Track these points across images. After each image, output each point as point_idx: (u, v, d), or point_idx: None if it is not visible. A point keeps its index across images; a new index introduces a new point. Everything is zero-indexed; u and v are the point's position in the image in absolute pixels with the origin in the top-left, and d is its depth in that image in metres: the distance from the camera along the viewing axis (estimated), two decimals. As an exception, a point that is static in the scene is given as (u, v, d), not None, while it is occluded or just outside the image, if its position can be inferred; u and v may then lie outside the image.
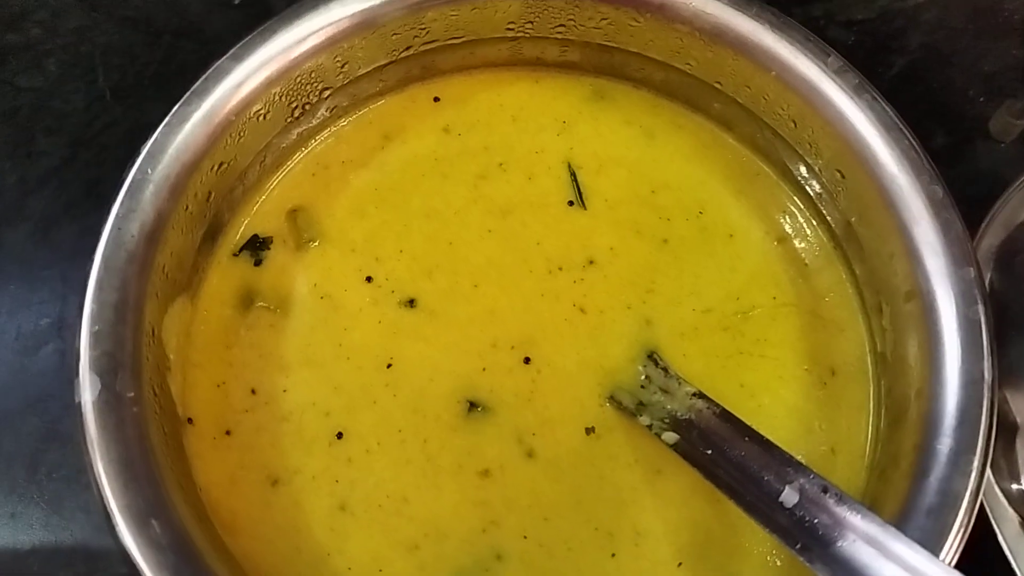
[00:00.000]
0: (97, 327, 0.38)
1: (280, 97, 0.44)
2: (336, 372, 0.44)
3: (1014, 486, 0.43)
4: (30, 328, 0.52)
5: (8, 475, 0.49)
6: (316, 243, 0.47)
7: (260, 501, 0.42)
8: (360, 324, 0.45)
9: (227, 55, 0.43)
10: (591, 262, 0.46)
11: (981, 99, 0.57)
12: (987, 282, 0.44)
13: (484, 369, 0.44)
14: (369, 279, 0.46)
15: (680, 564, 0.42)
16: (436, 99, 0.50)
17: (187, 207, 0.42)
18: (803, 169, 0.46)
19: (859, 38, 0.58)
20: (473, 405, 0.44)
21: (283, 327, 0.45)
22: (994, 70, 0.57)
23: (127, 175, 0.41)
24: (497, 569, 0.42)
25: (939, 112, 0.57)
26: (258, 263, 0.46)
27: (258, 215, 0.47)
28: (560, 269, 0.46)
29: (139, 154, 0.41)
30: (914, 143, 0.41)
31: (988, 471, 0.37)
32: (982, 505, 0.38)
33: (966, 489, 0.37)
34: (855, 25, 0.58)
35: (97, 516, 0.47)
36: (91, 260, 0.40)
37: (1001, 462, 0.43)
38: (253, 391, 0.44)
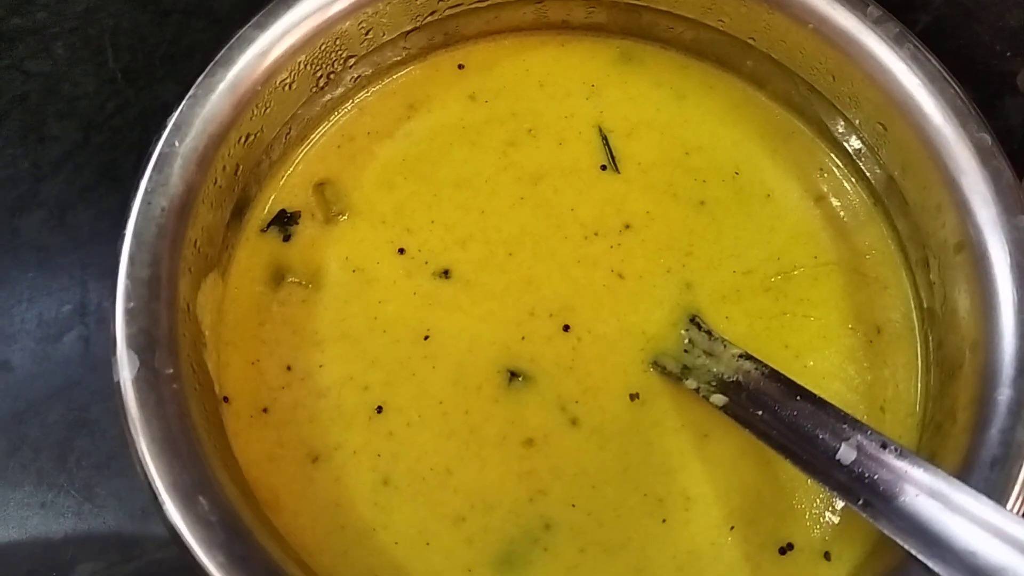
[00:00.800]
0: (132, 304, 0.38)
1: (305, 66, 0.44)
2: (372, 346, 0.44)
3: None
4: (52, 315, 0.51)
5: (36, 464, 0.49)
6: (345, 216, 0.46)
7: (301, 478, 0.42)
8: (394, 297, 0.45)
9: (250, 23, 0.42)
10: (627, 227, 0.46)
11: (1008, 54, 0.56)
12: None
13: (523, 338, 0.44)
14: (401, 251, 0.45)
15: (732, 528, 0.42)
16: (460, 66, 0.49)
17: (216, 180, 0.41)
18: (841, 124, 0.46)
19: (882, -6, 0.58)
20: (514, 375, 0.44)
21: (316, 302, 0.45)
22: (1020, 24, 0.57)
23: (154, 148, 0.40)
24: (546, 539, 0.41)
25: (966, 68, 0.56)
26: (287, 238, 0.46)
27: (285, 189, 0.47)
28: (596, 235, 0.46)
29: (165, 127, 0.41)
30: (959, 92, 0.41)
31: None
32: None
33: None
34: (879, -19, 0.58)
35: (130, 503, 0.47)
36: (122, 235, 0.39)
37: None
38: (288, 367, 0.43)
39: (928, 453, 0.40)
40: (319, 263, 0.45)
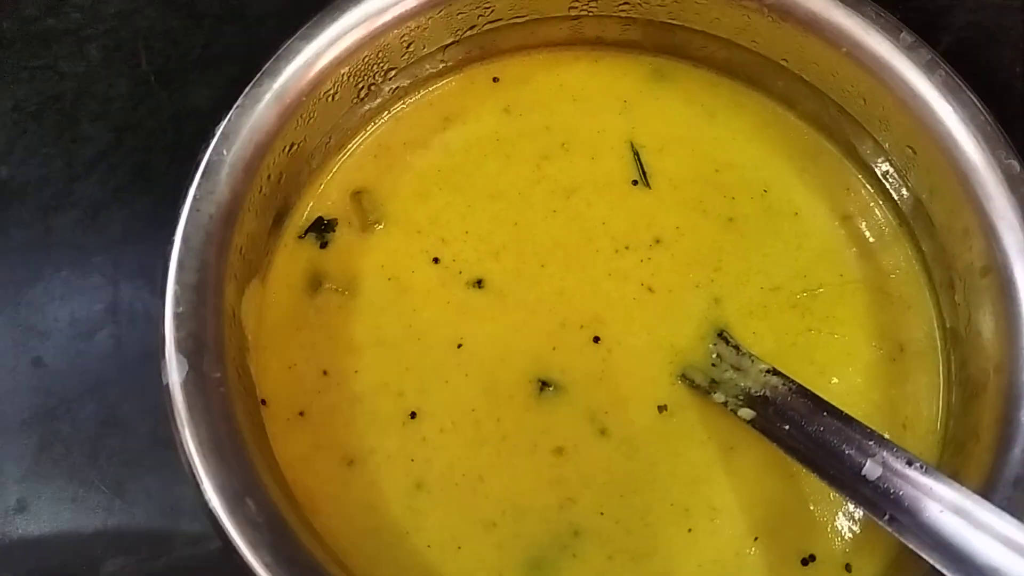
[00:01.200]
0: (181, 308, 0.39)
1: (348, 77, 0.45)
2: (407, 353, 0.45)
3: None
4: (84, 314, 0.52)
5: (68, 460, 0.50)
6: (381, 225, 0.47)
7: (337, 480, 0.43)
8: (429, 305, 0.46)
9: (296, 35, 0.44)
10: (657, 241, 0.47)
11: None
12: None
13: (554, 348, 0.45)
14: (436, 260, 0.47)
15: (756, 539, 0.43)
16: (495, 79, 0.50)
17: (260, 188, 0.43)
18: (870, 146, 0.47)
19: (905, 16, 0.58)
20: (545, 384, 0.45)
21: (352, 308, 0.46)
22: None
23: (202, 156, 0.42)
24: (575, 545, 0.43)
25: (987, 89, 0.57)
26: (324, 245, 0.47)
27: (322, 197, 0.48)
28: (626, 248, 0.47)
29: (213, 135, 0.42)
30: (989, 119, 0.42)
31: None
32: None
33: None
34: (901, 3, 0.59)
35: (159, 500, 0.49)
36: (171, 241, 0.40)
37: None
38: (325, 372, 0.45)
39: (950, 471, 0.41)
40: (355, 270, 0.47)
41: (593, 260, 0.47)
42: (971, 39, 0.58)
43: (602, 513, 0.43)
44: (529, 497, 0.43)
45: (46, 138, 0.56)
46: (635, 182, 0.48)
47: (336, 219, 0.48)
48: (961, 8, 0.59)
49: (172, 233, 0.41)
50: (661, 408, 0.45)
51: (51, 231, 0.54)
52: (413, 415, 0.44)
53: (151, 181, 0.55)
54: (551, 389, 0.45)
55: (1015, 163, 0.41)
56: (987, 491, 0.38)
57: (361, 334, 0.45)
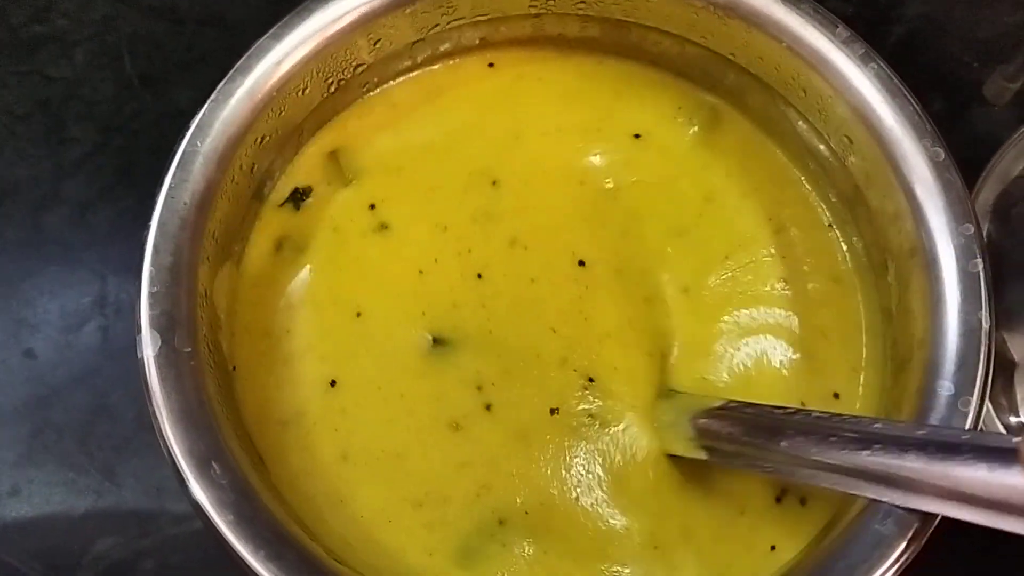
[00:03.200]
0: (155, 288, 0.43)
1: (317, 73, 0.48)
2: (328, 316, 0.48)
3: (1013, 419, 0.49)
4: (72, 307, 0.57)
5: (60, 446, 0.54)
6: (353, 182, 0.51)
7: (277, 442, 0.46)
8: (358, 264, 0.50)
9: (267, 34, 0.47)
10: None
11: (976, 65, 0.62)
12: (985, 233, 0.49)
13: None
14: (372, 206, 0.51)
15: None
16: (491, 64, 0.54)
17: (233, 178, 0.46)
18: (813, 137, 0.50)
19: (857, 9, 0.63)
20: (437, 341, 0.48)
21: (297, 265, 0.50)
22: (988, 36, 0.62)
23: (178, 148, 0.45)
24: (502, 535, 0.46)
25: (936, 79, 0.62)
26: (298, 209, 0.51)
27: (297, 174, 0.52)
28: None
29: (188, 128, 0.46)
30: (917, 108, 0.45)
31: (989, 406, 0.41)
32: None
33: (964, 426, 0.41)
34: (854, -5, 0.64)
35: (147, 482, 0.53)
36: (147, 227, 0.44)
37: (1001, 398, 0.49)
38: (267, 333, 0.48)
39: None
40: (311, 229, 0.50)
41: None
42: (922, 30, 0.62)
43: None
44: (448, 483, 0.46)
45: (34, 140, 0.60)
46: None
47: (311, 186, 0.51)
48: (912, 1, 0.62)
49: (149, 219, 0.44)
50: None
51: (40, 229, 0.59)
52: (333, 383, 0.47)
53: (136, 180, 0.59)
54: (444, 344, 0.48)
55: (940, 150, 0.45)
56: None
57: (298, 294, 0.49)
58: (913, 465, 0.36)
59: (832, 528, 0.43)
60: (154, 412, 0.41)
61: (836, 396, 0.48)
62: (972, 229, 0.44)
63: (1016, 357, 0.50)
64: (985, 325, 0.42)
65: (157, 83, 0.61)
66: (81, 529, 0.53)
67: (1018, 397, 0.50)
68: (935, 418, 0.41)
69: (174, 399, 0.41)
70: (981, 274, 0.43)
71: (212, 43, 0.62)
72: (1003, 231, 0.52)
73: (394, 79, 0.53)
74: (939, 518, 0.39)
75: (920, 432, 0.38)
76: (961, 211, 0.44)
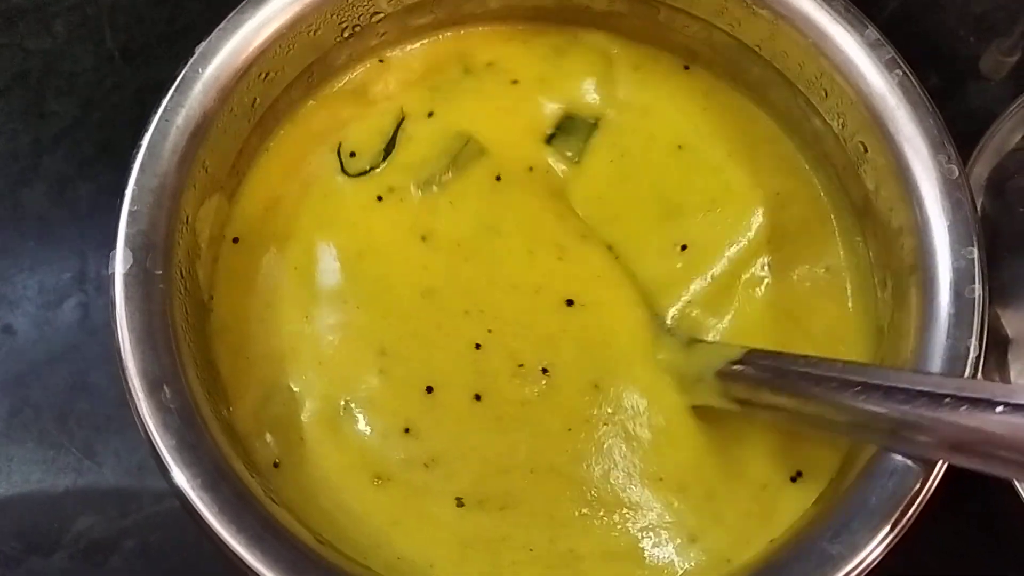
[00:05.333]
0: (136, 208, 0.44)
1: (332, 15, 0.49)
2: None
3: None
4: (52, 283, 0.58)
5: (39, 424, 0.55)
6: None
7: (244, 377, 0.48)
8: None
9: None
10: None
11: (972, 39, 0.62)
12: (979, 207, 0.49)
13: None
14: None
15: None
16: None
17: (232, 110, 0.47)
18: (830, 142, 0.50)
19: (854, -19, 0.63)
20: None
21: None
22: (983, 10, 0.62)
23: (179, 72, 0.46)
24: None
25: (931, 53, 0.62)
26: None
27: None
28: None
29: (192, 54, 0.46)
30: (938, 121, 0.45)
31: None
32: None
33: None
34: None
35: (127, 460, 0.54)
36: (137, 145, 0.45)
37: (995, 375, 0.49)
38: (255, 270, 0.50)
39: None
40: None
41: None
42: (917, 2, 0.62)
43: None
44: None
45: (13, 114, 0.61)
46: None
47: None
48: (908, -27, 0.61)
49: (140, 138, 0.45)
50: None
51: (19, 204, 0.59)
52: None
53: (116, 155, 0.58)
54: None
55: (955, 169, 0.44)
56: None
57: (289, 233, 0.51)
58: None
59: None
60: (115, 330, 0.42)
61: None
62: (975, 252, 0.43)
63: (1010, 333, 0.50)
64: (972, 354, 0.42)
65: (138, 56, 0.62)
66: (61, 508, 0.53)
67: (1011, 373, 0.50)
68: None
69: (136, 318, 0.42)
70: (976, 301, 0.43)
71: (194, 16, 0.62)
72: (997, 205, 0.52)
73: (411, 40, 0.54)
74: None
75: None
76: (966, 233, 0.43)
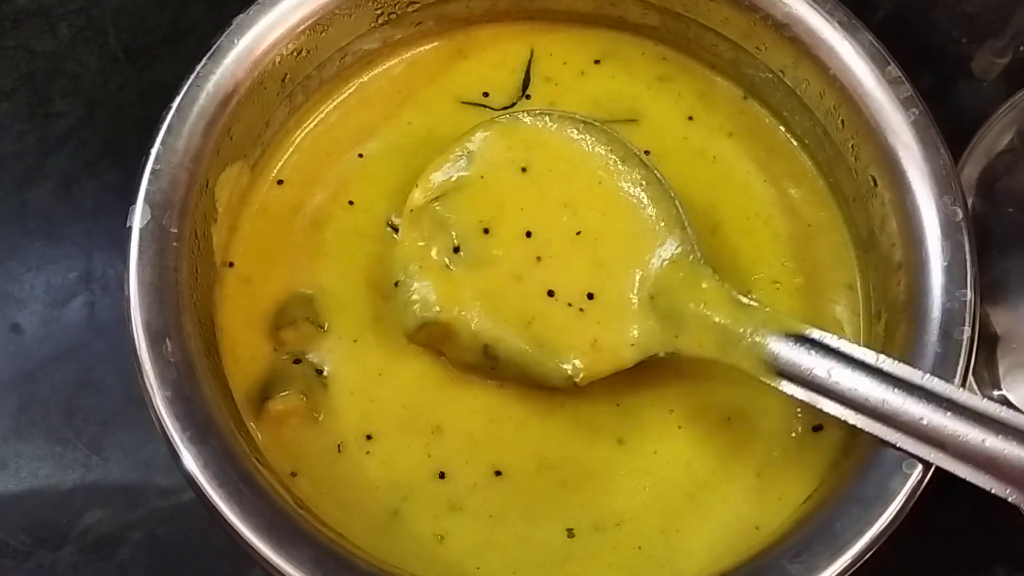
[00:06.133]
0: (159, 166, 0.45)
1: (368, 1, 0.51)
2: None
3: (995, 392, 0.50)
4: (58, 282, 0.58)
5: (46, 420, 0.56)
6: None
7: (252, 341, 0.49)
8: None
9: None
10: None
11: (964, 40, 0.63)
12: (970, 206, 0.50)
13: None
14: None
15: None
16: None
17: (262, 82, 0.49)
18: (843, 173, 0.51)
19: (846, -18, 0.64)
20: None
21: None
22: (976, 11, 0.63)
23: (216, 41, 0.48)
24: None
25: (924, 54, 0.63)
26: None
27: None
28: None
29: (229, 24, 0.48)
30: (947, 163, 0.46)
31: (972, 380, 0.44)
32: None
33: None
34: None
35: (134, 456, 0.55)
36: (168, 107, 0.46)
37: (983, 372, 0.50)
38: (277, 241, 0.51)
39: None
40: None
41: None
42: (911, 3, 0.63)
43: None
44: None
45: (19, 115, 0.62)
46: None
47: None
48: (900, -26, 0.62)
49: (171, 101, 0.47)
50: None
51: (25, 204, 0.60)
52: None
53: (121, 154, 0.60)
54: None
55: (958, 210, 0.45)
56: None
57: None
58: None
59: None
60: (126, 281, 0.44)
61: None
62: (968, 295, 0.44)
63: (999, 330, 0.51)
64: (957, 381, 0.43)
65: (142, 57, 0.62)
66: (68, 502, 0.54)
67: (1000, 371, 0.51)
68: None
69: (147, 272, 0.44)
70: (964, 343, 0.43)
71: (197, 16, 0.63)
72: (987, 205, 0.53)
73: (446, 31, 0.55)
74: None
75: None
76: (961, 275, 0.44)
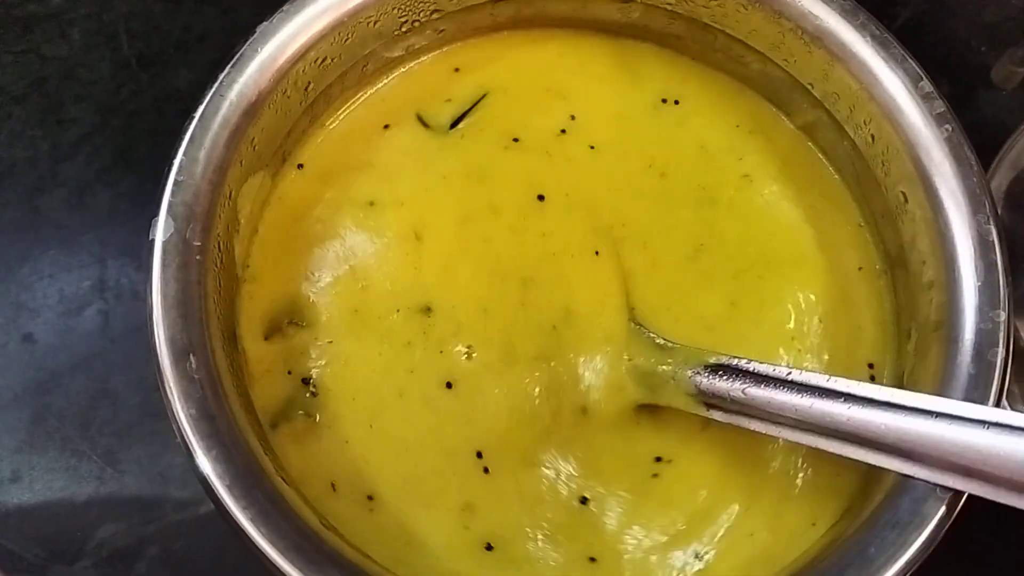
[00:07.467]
0: (181, 178, 0.45)
1: (393, 8, 0.50)
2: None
3: None
4: (72, 291, 0.58)
5: (61, 431, 0.55)
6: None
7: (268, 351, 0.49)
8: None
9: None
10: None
11: (983, 48, 0.63)
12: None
13: None
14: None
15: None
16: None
17: (285, 91, 0.48)
18: (870, 186, 0.51)
19: (865, -10, 0.64)
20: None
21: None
22: (995, 20, 0.63)
23: (239, 50, 0.47)
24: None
25: (943, 63, 0.63)
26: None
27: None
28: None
29: (253, 33, 0.47)
30: (980, 179, 0.46)
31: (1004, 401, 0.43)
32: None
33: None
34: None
35: (149, 468, 0.54)
36: (191, 117, 0.46)
37: (1014, 388, 0.50)
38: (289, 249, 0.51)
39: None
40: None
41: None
42: (928, 13, 0.64)
43: None
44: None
45: (31, 121, 0.61)
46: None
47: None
48: (919, -17, 0.62)
49: (194, 110, 0.46)
50: None
51: (38, 212, 0.59)
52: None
53: (134, 161, 0.60)
54: None
55: (992, 229, 0.45)
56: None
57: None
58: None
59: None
60: (149, 296, 0.43)
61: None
62: (1002, 316, 0.44)
63: None
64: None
65: (154, 64, 0.62)
66: (83, 515, 0.53)
67: None
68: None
69: (171, 286, 0.43)
70: (998, 365, 0.43)
71: (210, 22, 0.63)
72: (1016, 217, 0.53)
73: (469, 37, 0.55)
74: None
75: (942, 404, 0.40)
76: (995, 295, 0.44)
